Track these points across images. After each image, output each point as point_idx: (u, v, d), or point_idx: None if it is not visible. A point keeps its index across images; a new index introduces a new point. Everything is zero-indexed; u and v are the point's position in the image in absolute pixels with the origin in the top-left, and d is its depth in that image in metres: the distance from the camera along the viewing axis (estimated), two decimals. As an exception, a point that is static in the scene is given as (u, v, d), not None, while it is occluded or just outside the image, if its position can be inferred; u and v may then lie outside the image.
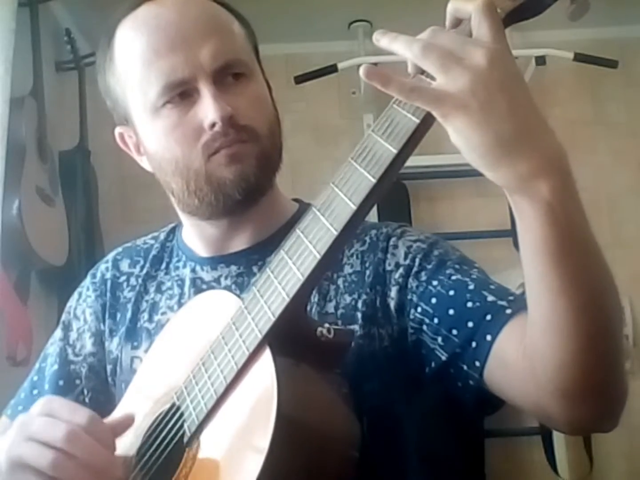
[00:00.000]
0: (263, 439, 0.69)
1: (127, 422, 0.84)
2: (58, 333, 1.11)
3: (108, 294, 1.08)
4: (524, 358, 0.77)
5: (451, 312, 0.88)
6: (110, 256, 1.14)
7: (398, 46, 0.68)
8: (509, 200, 0.70)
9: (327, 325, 0.79)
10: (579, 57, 2.73)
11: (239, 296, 0.85)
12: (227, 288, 0.99)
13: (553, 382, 0.74)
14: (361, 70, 0.67)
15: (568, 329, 0.70)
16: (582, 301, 0.69)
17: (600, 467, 2.64)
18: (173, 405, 0.86)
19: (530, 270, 0.72)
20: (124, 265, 1.10)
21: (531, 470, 2.72)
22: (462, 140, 0.66)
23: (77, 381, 1.06)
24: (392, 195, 2.62)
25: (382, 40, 0.69)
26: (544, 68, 2.80)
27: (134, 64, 0.95)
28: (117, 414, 0.96)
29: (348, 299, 0.94)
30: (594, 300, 0.70)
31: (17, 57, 2.12)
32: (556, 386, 0.74)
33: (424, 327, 0.90)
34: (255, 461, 0.69)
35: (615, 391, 0.76)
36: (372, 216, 2.29)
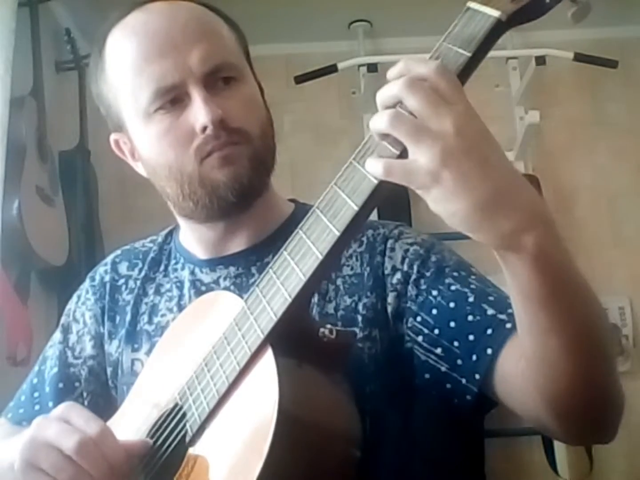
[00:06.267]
0: (264, 439, 0.69)
1: (142, 446, 0.84)
2: (57, 336, 1.11)
3: (107, 297, 1.09)
4: (520, 377, 0.79)
5: (452, 324, 0.89)
6: (109, 259, 1.14)
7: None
8: (495, 253, 0.70)
9: (329, 326, 0.79)
10: (579, 57, 2.73)
11: (241, 297, 0.86)
12: (226, 289, 1.00)
13: (549, 405, 0.76)
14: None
15: (559, 364, 0.72)
16: (572, 337, 0.71)
17: (600, 467, 2.64)
18: (176, 405, 0.86)
19: (520, 311, 0.73)
20: (123, 268, 1.11)
21: (531, 470, 2.72)
22: (440, 209, 0.66)
23: (77, 384, 1.07)
24: (392, 195, 2.61)
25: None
26: (544, 68, 2.80)
27: (124, 71, 0.96)
28: (119, 416, 0.97)
29: (348, 300, 0.95)
30: (584, 335, 0.71)
31: (17, 57, 2.13)
32: (552, 408, 0.76)
33: (420, 338, 0.91)
34: (257, 461, 0.69)
35: (611, 411, 0.77)
36: (373, 216, 2.29)
